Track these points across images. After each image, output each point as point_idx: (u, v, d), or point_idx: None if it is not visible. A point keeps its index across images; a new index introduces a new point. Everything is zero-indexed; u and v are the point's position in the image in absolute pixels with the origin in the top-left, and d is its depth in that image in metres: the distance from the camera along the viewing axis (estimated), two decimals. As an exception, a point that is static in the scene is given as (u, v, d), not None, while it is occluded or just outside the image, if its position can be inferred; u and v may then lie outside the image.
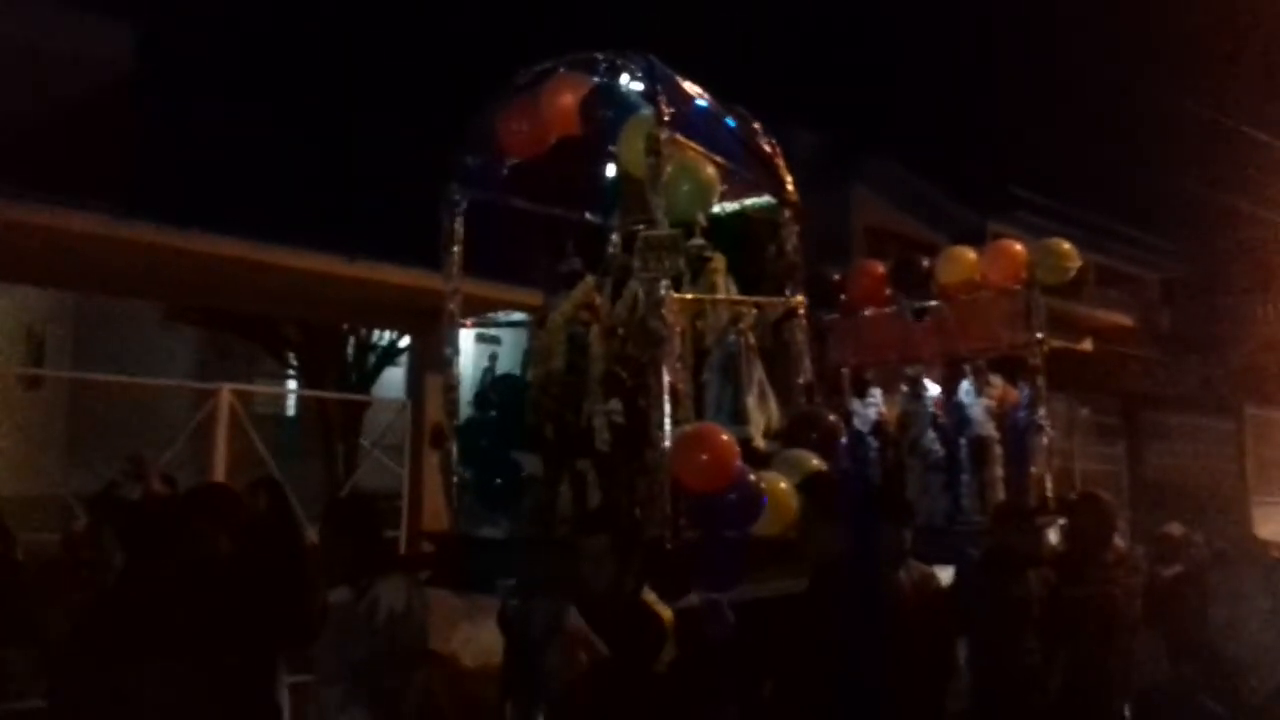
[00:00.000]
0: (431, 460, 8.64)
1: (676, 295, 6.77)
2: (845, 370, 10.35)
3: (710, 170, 7.05)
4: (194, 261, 10.48)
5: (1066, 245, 9.57)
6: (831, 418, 7.82)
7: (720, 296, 7.61)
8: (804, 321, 7.97)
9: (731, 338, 7.42)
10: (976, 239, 15.58)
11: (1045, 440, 9.32)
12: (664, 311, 6.54)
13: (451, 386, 7.92)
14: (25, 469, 13.03)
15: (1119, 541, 6.42)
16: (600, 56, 7.29)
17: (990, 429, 9.37)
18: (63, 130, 13.02)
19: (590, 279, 7.83)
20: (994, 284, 9.58)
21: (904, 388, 10.00)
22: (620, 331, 7.38)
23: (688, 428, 6.54)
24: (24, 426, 14.20)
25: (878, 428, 9.94)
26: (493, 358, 8.25)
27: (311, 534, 7.25)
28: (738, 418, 7.18)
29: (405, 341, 16.58)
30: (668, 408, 6.41)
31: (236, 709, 5.09)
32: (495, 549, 7.17)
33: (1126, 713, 5.62)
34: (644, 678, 4.38)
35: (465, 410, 7.84)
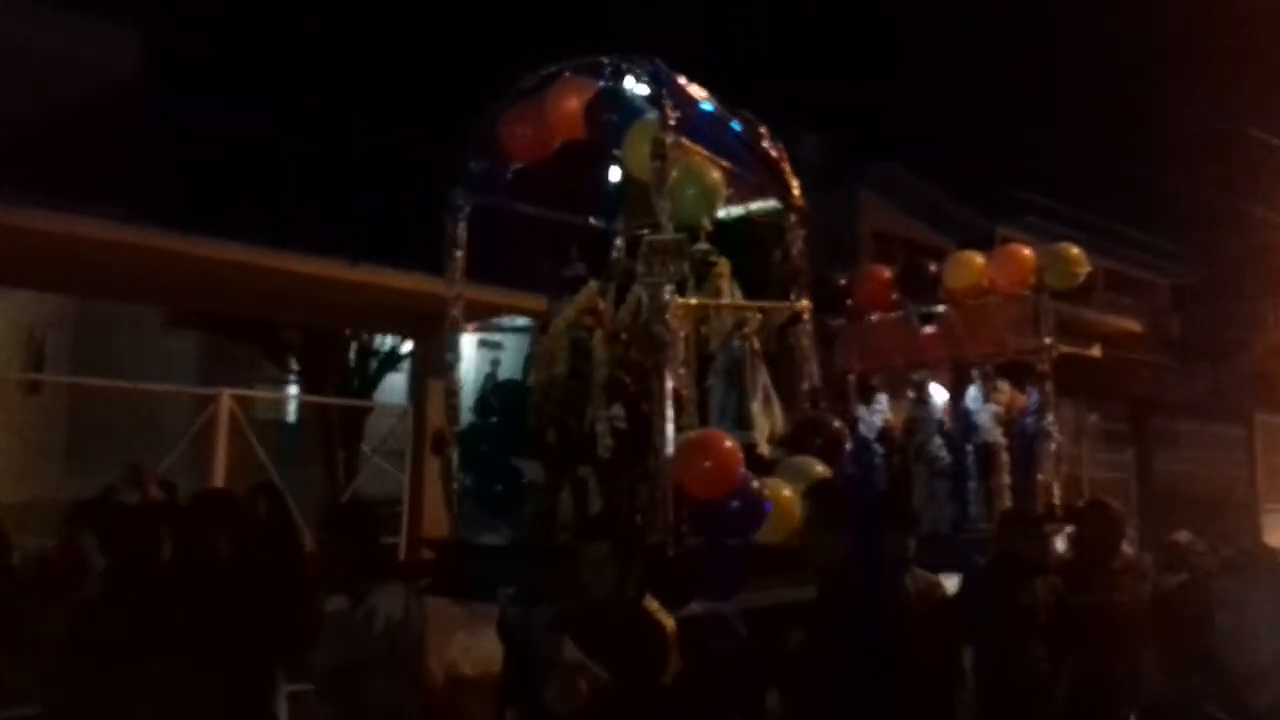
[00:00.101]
0: (433, 467, 8.60)
1: (681, 300, 6.71)
2: (851, 376, 10.27)
3: (715, 174, 6.99)
4: (195, 266, 10.44)
5: (1075, 250, 9.49)
6: (836, 424, 7.74)
7: (725, 301, 7.54)
8: (809, 326, 7.89)
9: (736, 343, 7.36)
10: (984, 243, 15.52)
11: (1053, 447, 9.25)
12: (668, 316, 6.47)
13: (453, 392, 7.86)
14: (25, 474, 13.01)
15: (1127, 549, 6.39)
16: (605, 60, 7.22)
17: (997, 435, 9.29)
18: (64, 133, 12.99)
19: (594, 284, 7.76)
20: (1002, 289, 9.51)
21: (910, 393, 9.92)
22: (623, 337, 7.32)
23: (691, 434, 6.47)
24: (23, 431, 14.19)
25: (884, 434, 9.86)
26: (494, 363, 8.20)
27: (311, 540, 7.22)
28: (742, 423, 7.12)
29: (407, 347, 16.53)
30: (670, 413, 6.34)
31: (233, 715, 5.05)
32: (496, 556, 7.12)
33: (1132, 720, 5.57)
34: (648, 693, 4.31)
35: (466, 416, 7.78)
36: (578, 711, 4.26)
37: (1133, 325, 26.62)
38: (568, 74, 7.34)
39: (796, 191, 7.96)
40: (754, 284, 7.92)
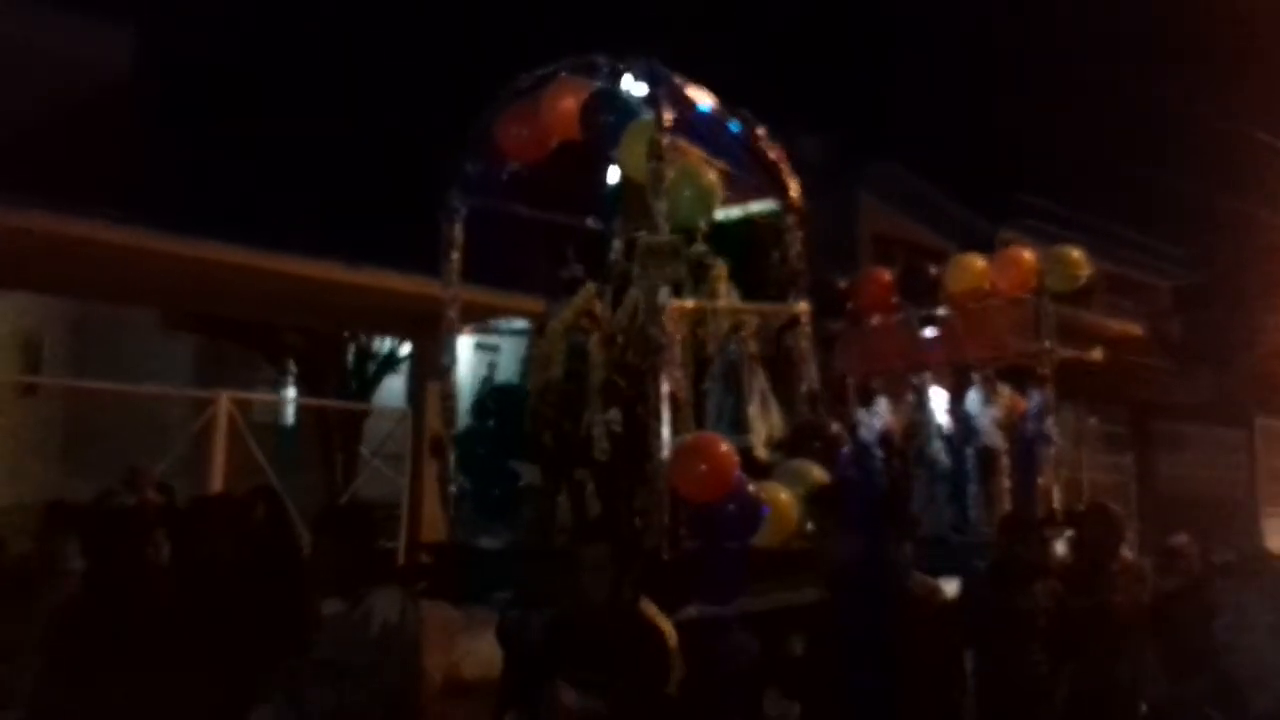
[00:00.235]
0: (432, 470, 8.57)
1: (677, 302, 6.68)
2: (851, 379, 10.24)
3: (713, 175, 6.97)
4: (193, 267, 10.42)
5: (1077, 253, 9.49)
6: (835, 428, 7.71)
7: (722, 304, 7.50)
8: (808, 329, 7.86)
9: (733, 346, 7.33)
10: (985, 246, 15.40)
11: (1053, 450, 9.23)
12: (664, 319, 6.44)
13: (449, 395, 7.83)
14: (21, 477, 12.97)
15: (1127, 553, 6.35)
16: (602, 60, 7.21)
17: (998, 439, 9.29)
18: (61, 134, 12.94)
19: (591, 286, 7.73)
20: (1003, 292, 9.50)
21: (910, 397, 9.90)
22: (620, 339, 7.29)
23: (687, 437, 6.44)
24: (20, 434, 14.15)
25: (883, 438, 9.84)
26: (491, 366, 8.19)
27: (308, 544, 7.18)
28: (739, 427, 7.11)
29: (406, 349, 16.49)
30: (667, 416, 6.32)
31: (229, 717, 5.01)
32: (493, 559, 7.10)
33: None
34: (652, 705, 4.28)
35: (463, 419, 7.75)
36: None
37: (1134, 328, 26.54)
38: (564, 74, 7.33)
39: (795, 192, 7.93)
40: (752, 286, 7.89)
